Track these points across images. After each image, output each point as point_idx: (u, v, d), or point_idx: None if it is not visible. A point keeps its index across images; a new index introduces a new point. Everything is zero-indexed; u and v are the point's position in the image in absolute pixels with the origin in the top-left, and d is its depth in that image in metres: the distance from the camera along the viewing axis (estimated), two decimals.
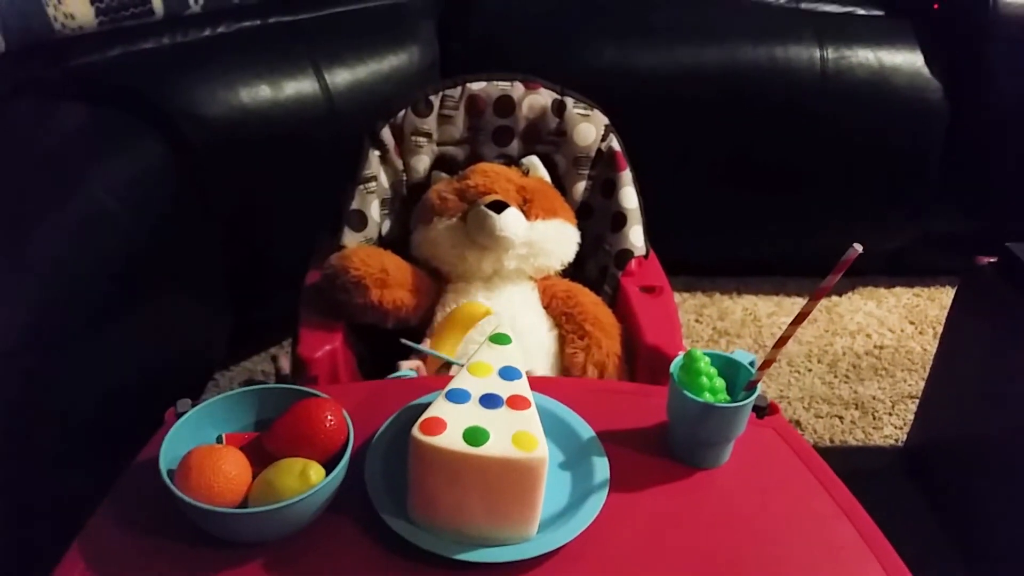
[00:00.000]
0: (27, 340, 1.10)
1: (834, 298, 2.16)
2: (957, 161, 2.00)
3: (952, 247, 1.95)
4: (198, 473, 0.75)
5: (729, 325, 2.06)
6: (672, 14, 2.05)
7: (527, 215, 1.27)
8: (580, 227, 1.37)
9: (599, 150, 1.40)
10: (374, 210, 1.36)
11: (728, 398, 0.87)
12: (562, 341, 1.26)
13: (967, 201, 2.09)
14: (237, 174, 1.68)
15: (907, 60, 1.94)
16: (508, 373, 0.83)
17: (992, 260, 1.42)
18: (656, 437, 0.92)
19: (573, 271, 1.39)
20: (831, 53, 1.92)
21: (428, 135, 1.38)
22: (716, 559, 0.79)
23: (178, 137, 1.57)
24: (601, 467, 0.85)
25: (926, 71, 1.94)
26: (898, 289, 2.21)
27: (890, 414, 1.79)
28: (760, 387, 0.87)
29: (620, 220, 1.38)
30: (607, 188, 1.40)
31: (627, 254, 1.37)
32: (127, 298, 1.36)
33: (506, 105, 1.39)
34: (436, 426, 0.74)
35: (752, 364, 0.89)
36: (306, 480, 0.75)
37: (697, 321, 2.08)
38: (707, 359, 0.86)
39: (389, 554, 0.77)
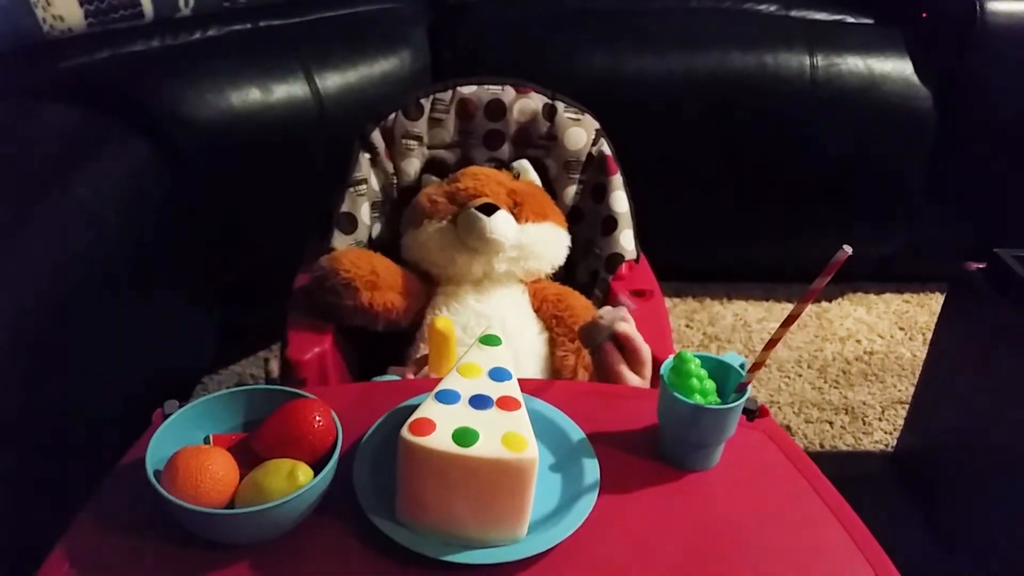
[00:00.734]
0: (12, 341, 1.09)
1: (824, 304, 2.17)
2: (946, 168, 2.01)
3: (942, 253, 1.95)
4: (185, 474, 0.74)
5: (720, 330, 2.06)
6: (662, 21, 2.06)
7: (517, 218, 1.27)
8: (571, 231, 1.37)
9: (590, 154, 1.40)
10: (364, 213, 1.36)
11: (719, 400, 0.87)
12: (552, 344, 1.26)
13: (956, 208, 2.10)
14: (226, 177, 1.67)
15: (896, 68, 1.95)
16: (498, 374, 0.83)
17: (981, 266, 1.43)
18: (646, 439, 0.92)
19: (564, 275, 1.39)
20: (821, 60, 1.93)
21: (418, 138, 1.38)
22: (706, 561, 0.78)
23: (167, 140, 1.56)
24: (591, 469, 0.85)
25: (915, 79, 1.95)
26: (888, 295, 2.22)
27: (880, 419, 1.80)
28: (750, 390, 0.87)
29: (611, 224, 1.38)
30: (597, 192, 1.40)
31: (617, 258, 1.37)
32: (113, 301, 1.35)
33: (497, 109, 1.39)
34: (425, 427, 0.74)
35: (742, 366, 0.89)
36: (294, 481, 0.74)
37: (688, 326, 2.08)
38: (697, 361, 0.86)
39: (377, 556, 0.76)
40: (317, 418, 0.79)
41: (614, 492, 0.85)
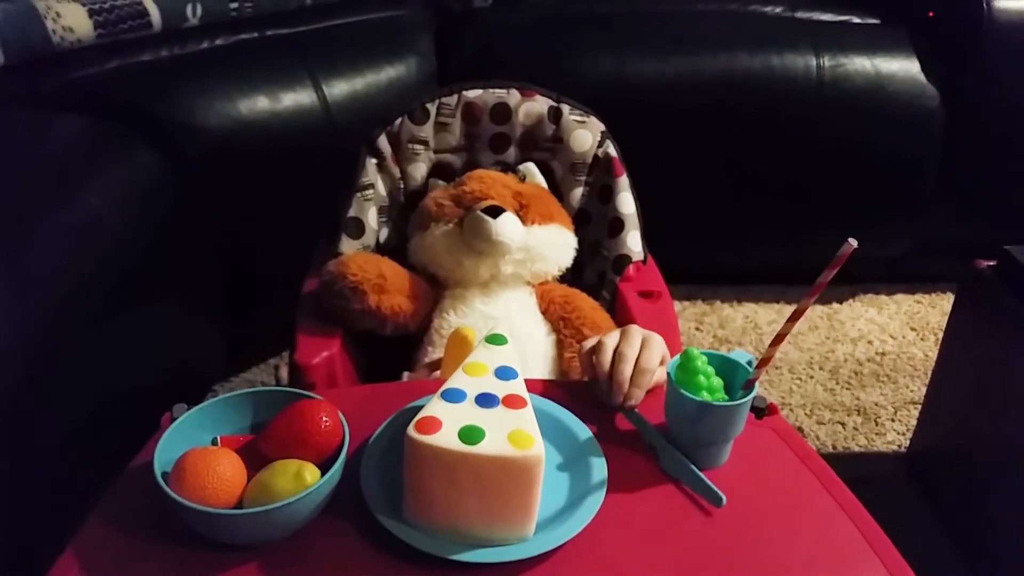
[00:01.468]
0: (22, 348, 1.10)
1: (835, 305, 2.16)
2: (954, 167, 2.00)
3: (952, 253, 1.95)
4: (192, 475, 0.74)
5: (730, 333, 2.05)
6: (668, 24, 2.06)
7: (523, 220, 1.27)
8: (578, 233, 1.37)
9: (596, 156, 1.40)
10: (371, 217, 1.36)
11: (726, 397, 0.86)
12: (560, 346, 1.25)
13: (965, 207, 2.09)
14: (235, 185, 1.68)
15: (903, 67, 1.95)
16: (504, 373, 0.82)
17: (991, 263, 1.42)
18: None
19: (571, 277, 1.39)
20: (827, 61, 1.93)
21: (425, 143, 1.39)
22: (715, 559, 0.78)
23: (176, 148, 1.57)
24: (599, 468, 0.85)
25: (922, 78, 1.94)
26: (899, 296, 2.21)
27: (893, 420, 1.79)
28: (757, 386, 0.86)
29: (617, 226, 1.38)
30: (604, 194, 1.40)
31: (625, 259, 1.37)
32: (123, 308, 1.36)
33: (502, 112, 1.39)
34: (431, 425, 0.74)
35: (750, 363, 0.88)
36: (301, 481, 0.75)
37: (698, 329, 2.07)
38: (704, 358, 0.86)
39: (385, 555, 0.76)
40: (324, 419, 0.80)
41: (622, 491, 0.84)
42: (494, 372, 0.82)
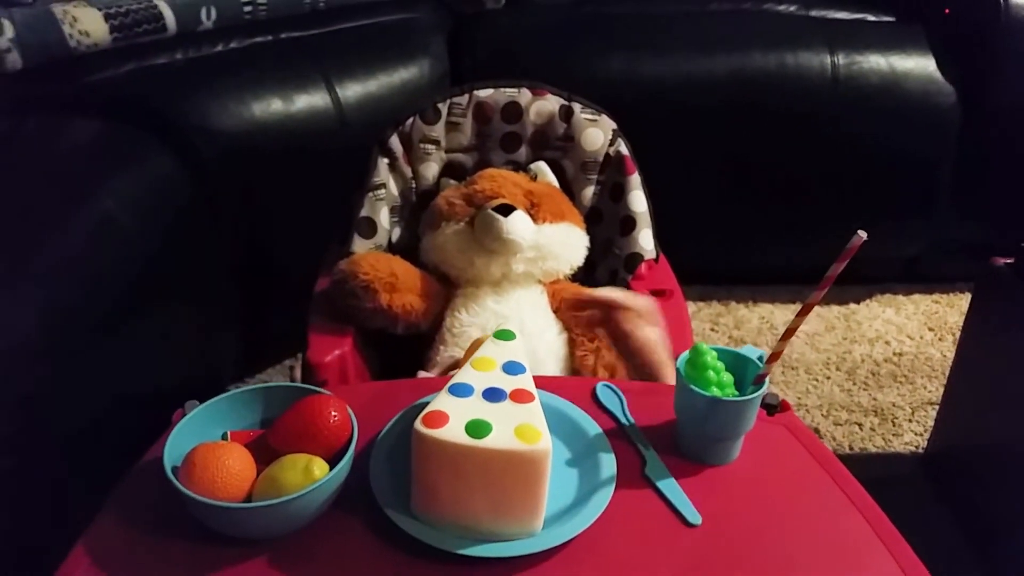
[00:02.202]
0: (35, 347, 1.11)
1: (852, 306, 2.14)
2: (971, 165, 1.98)
3: (971, 252, 1.93)
4: (202, 469, 0.75)
5: (745, 334, 2.04)
6: (681, 23, 2.05)
7: (535, 219, 1.27)
8: (589, 232, 1.37)
9: (607, 155, 1.39)
10: (383, 217, 1.36)
11: (736, 393, 0.86)
12: (572, 344, 1.25)
13: (983, 205, 2.07)
14: (249, 187, 1.69)
15: (919, 65, 1.93)
16: (512, 368, 0.82)
17: (1009, 261, 1.40)
18: (665, 434, 0.91)
19: (583, 276, 1.39)
20: (842, 59, 1.92)
21: (436, 142, 1.39)
22: (725, 556, 0.78)
23: (190, 150, 1.58)
24: (608, 463, 0.84)
25: (938, 76, 1.93)
26: (916, 296, 2.19)
27: (910, 421, 1.77)
28: (768, 382, 0.86)
29: (629, 224, 1.37)
30: (616, 192, 1.39)
31: (637, 258, 1.36)
32: (137, 309, 1.36)
33: (513, 111, 1.39)
34: (438, 419, 0.74)
35: (761, 359, 0.88)
36: (309, 475, 0.75)
37: (713, 330, 2.06)
38: (714, 353, 0.85)
39: (393, 550, 0.76)
40: (333, 413, 0.80)
41: (631, 487, 0.84)
42: (502, 367, 0.82)
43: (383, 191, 1.36)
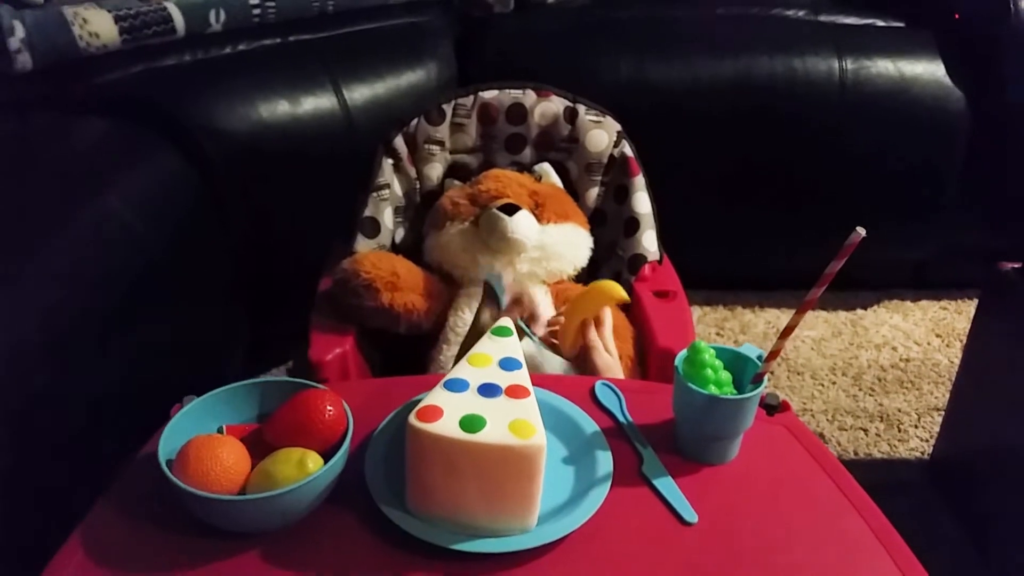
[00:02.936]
0: (39, 344, 1.11)
1: (859, 312, 2.13)
2: (980, 171, 1.97)
3: (979, 259, 1.91)
4: (196, 461, 0.75)
5: (751, 338, 2.03)
6: (689, 28, 2.05)
7: (539, 219, 1.27)
8: (593, 233, 1.37)
9: (612, 156, 1.39)
10: (387, 217, 1.37)
11: (734, 391, 0.85)
12: None
13: (992, 211, 2.06)
14: (256, 188, 1.70)
15: (928, 70, 1.92)
16: (508, 364, 0.82)
17: (1015, 266, 1.39)
18: (662, 433, 0.91)
19: (587, 277, 1.38)
20: (850, 64, 1.91)
21: (441, 143, 1.39)
22: (722, 554, 0.77)
23: (198, 151, 1.59)
24: (604, 461, 0.84)
25: (947, 81, 1.92)
26: (924, 302, 2.17)
27: (916, 426, 1.76)
28: (767, 380, 0.85)
29: (633, 225, 1.37)
30: (620, 194, 1.39)
31: (640, 259, 1.36)
32: (142, 308, 1.37)
33: (518, 113, 1.39)
34: (433, 414, 0.74)
35: (760, 358, 0.87)
36: (303, 469, 0.75)
37: (718, 334, 2.05)
38: (712, 351, 0.85)
39: (388, 545, 0.76)
40: (328, 408, 0.80)
41: (628, 485, 0.84)
42: (498, 363, 0.82)
43: (387, 191, 1.36)
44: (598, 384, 0.98)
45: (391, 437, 0.85)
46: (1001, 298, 1.44)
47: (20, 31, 1.52)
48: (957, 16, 2.01)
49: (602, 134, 1.39)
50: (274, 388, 0.86)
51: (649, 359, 1.21)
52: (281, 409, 0.81)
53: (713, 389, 0.84)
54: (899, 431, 1.74)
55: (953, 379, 1.61)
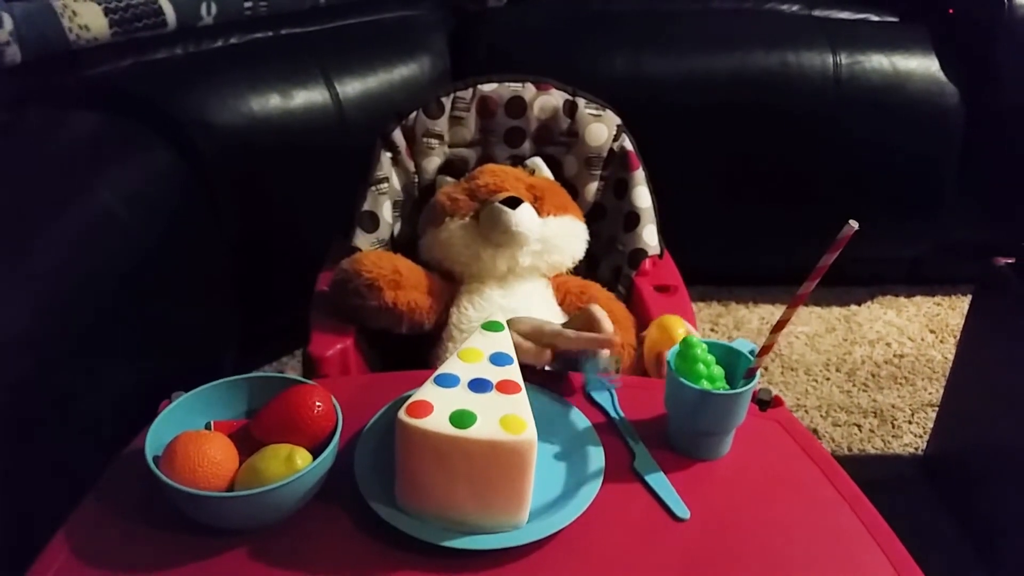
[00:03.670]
0: (29, 339, 1.10)
1: (853, 307, 2.13)
2: (974, 166, 1.96)
3: (973, 254, 1.91)
4: (183, 458, 0.74)
5: (745, 334, 2.03)
6: (684, 23, 2.05)
7: (539, 212, 1.26)
8: (593, 228, 1.36)
9: (611, 150, 1.39)
10: (386, 211, 1.35)
11: (727, 386, 0.85)
12: None
13: (986, 207, 2.05)
14: (247, 182, 1.69)
15: (922, 65, 1.92)
16: (499, 359, 0.82)
17: (1010, 261, 1.39)
18: (655, 429, 0.90)
19: (586, 272, 1.38)
20: (844, 59, 1.91)
21: (440, 137, 1.38)
22: (714, 550, 0.77)
23: (189, 145, 1.58)
24: (596, 457, 0.83)
25: (941, 76, 1.92)
26: (918, 298, 2.17)
27: (910, 422, 1.75)
28: (759, 375, 0.85)
29: (633, 220, 1.37)
30: (620, 188, 1.39)
31: (641, 254, 1.36)
32: (133, 303, 1.36)
33: (518, 106, 1.38)
34: (423, 409, 0.73)
35: (752, 353, 0.87)
36: (292, 465, 0.74)
37: (713, 330, 2.05)
38: (704, 346, 0.85)
39: (377, 542, 0.75)
40: (317, 404, 0.79)
41: (620, 481, 0.83)
42: (489, 358, 0.82)
43: (386, 185, 1.35)
44: (591, 379, 0.98)
45: (381, 433, 0.84)
46: (995, 294, 1.44)
47: (9, 23, 1.51)
48: (951, 11, 2.01)
49: (602, 128, 1.38)
50: (263, 384, 0.85)
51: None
52: (269, 405, 0.80)
53: (705, 384, 0.83)
54: (893, 427, 1.74)
55: (947, 375, 1.61)
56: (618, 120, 1.39)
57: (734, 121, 1.96)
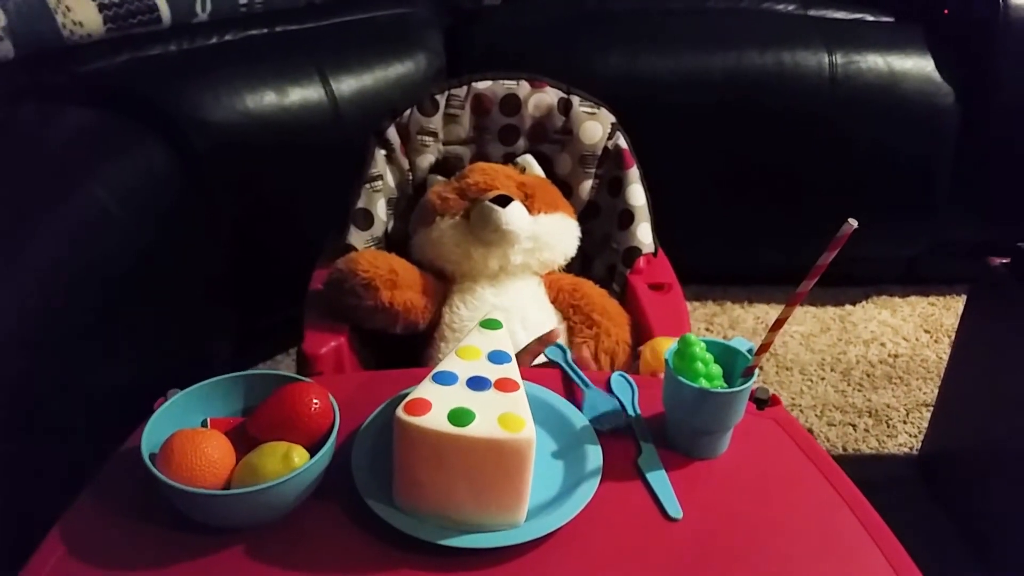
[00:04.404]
0: (23, 337, 1.09)
1: (848, 307, 2.13)
2: (969, 166, 1.97)
3: (968, 254, 1.92)
4: (180, 456, 0.73)
5: (740, 334, 2.03)
6: (679, 21, 2.04)
7: (530, 209, 1.26)
8: (587, 226, 1.36)
9: (606, 148, 1.38)
10: (380, 209, 1.35)
11: (725, 385, 0.85)
12: (571, 333, 1.24)
13: (981, 207, 2.06)
14: (242, 180, 1.68)
15: (917, 65, 1.92)
16: (497, 357, 0.81)
17: (1005, 261, 1.39)
18: (653, 427, 0.90)
19: (580, 270, 1.38)
20: (840, 59, 1.91)
21: (434, 134, 1.38)
22: (712, 549, 0.76)
23: (183, 142, 1.57)
24: (594, 455, 0.83)
25: (937, 76, 1.92)
26: (913, 298, 2.18)
27: (904, 422, 1.76)
28: (757, 374, 0.85)
29: (627, 218, 1.36)
30: (614, 186, 1.39)
31: (635, 251, 1.36)
32: (127, 300, 1.35)
33: (512, 104, 1.38)
34: (421, 407, 0.73)
35: (750, 351, 0.87)
36: (289, 463, 0.74)
37: (708, 330, 2.05)
38: (702, 344, 0.84)
39: (375, 540, 0.75)
40: (314, 401, 0.79)
41: (618, 479, 0.83)
42: (487, 356, 0.81)
43: (380, 183, 1.35)
44: (615, 375, 0.97)
45: (378, 431, 0.84)
46: (990, 294, 1.44)
47: (1, 18, 1.50)
48: (947, 11, 2.01)
49: (596, 126, 1.38)
50: (259, 381, 0.85)
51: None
52: (266, 402, 0.80)
53: (703, 383, 0.83)
54: (888, 427, 1.74)
55: (942, 375, 1.62)
56: (612, 118, 1.39)
57: (729, 120, 1.96)
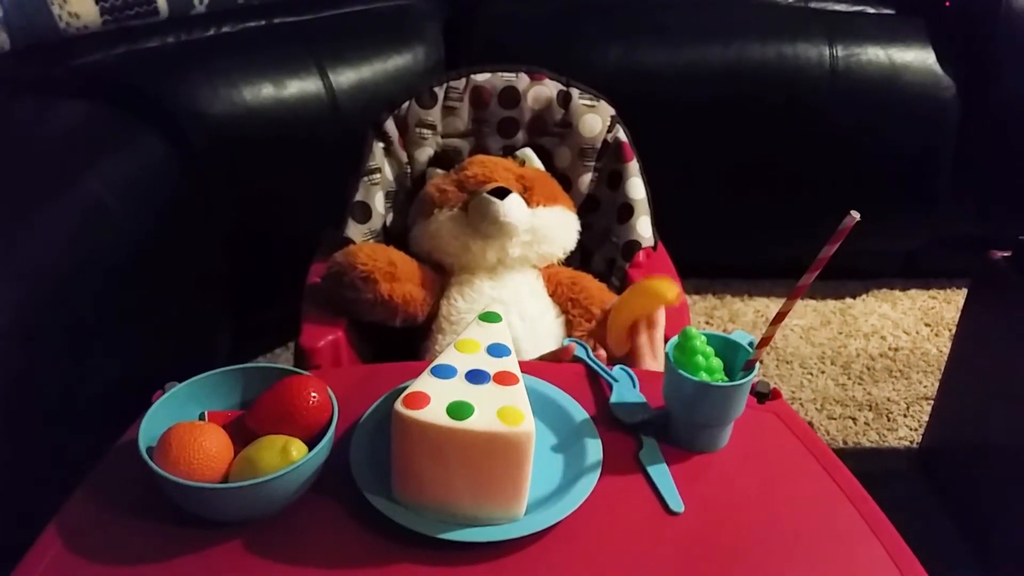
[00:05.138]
0: (20, 331, 1.09)
1: (848, 300, 2.13)
2: (971, 159, 1.96)
3: (969, 248, 1.91)
4: (177, 449, 0.73)
5: (741, 327, 2.02)
6: (679, 13, 2.04)
7: (528, 202, 1.25)
8: (586, 220, 1.35)
9: (605, 141, 1.38)
10: (378, 202, 1.34)
11: (725, 378, 0.84)
12: (570, 326, 1.24)
13: (982, 200, 2.05)
14: (240, 173, 1.67)
15: (918, 57, 1.91)
16: (496, 350, 0.81)
17: (1006, 254, 1.39)
18: (654, 420, 0.89)
19: (580, 264, 1.37)
20: (841, 51, 1.90)
21: (432, 127, 1.37)
22: (713, 543, 0.76)
23: (181, 135, 1.57)
24: (594, 449, 0.83)
25: (937, 68, 1.91)
26: (913, 291, 2.17)
27: (905, 416, 1.75)
28: (758, 367, 0.84)
29: (627, 211, 1.36)
30: (613, 179, 1.38)
31: (634, 245, 1.35)
32: (126, 293, 1.35)
33: (511, 96, 1.37)
34: (419, 400, 0.72)
35: (751, 344, 0.86)
36: (287, 456, 0.73)
37: (708, 323, 2.05)
38: (703, 338, 0.84)
39: (374, 534, 0.74)
40: (312, 395, 0.78)
41: (618, 473, 0.82)
42: (486, 349, 0.81)
43: (378, 175, 1.34)
44: (616, 368, 0.97)
45: (377, 424, 0.83)
46: (991, 287, 1.43)
47: None
48: (948, 4, 2.00)
49: (596, 119, 1.37)
50: (257, 374, 0.84)
51: None
52: (264, 395, 0.79)
53: (704, 376, 0.82)
54: (888, 420, 1.74)
55: (942, 368, 1.61)
56: (612, 111, 1.38)
57: (729, 113, 1.95)
